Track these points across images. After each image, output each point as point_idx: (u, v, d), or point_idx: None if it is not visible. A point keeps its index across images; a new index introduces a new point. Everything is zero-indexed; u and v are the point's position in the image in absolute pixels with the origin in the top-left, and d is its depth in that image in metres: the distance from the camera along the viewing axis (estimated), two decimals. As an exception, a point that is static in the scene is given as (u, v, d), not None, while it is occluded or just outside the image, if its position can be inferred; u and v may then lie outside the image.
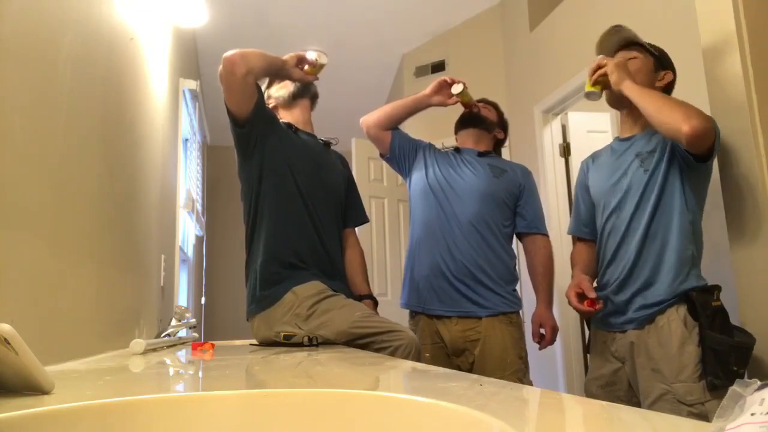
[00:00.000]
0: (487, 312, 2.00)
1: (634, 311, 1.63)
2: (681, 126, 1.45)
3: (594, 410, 0.55)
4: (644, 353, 1.58)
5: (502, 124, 2.29)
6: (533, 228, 2.14)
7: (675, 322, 1.54)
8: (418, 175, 2.20)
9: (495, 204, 2.09)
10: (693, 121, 1.45)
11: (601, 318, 1.73)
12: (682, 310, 1.54)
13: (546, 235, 2.16)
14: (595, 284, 1.77)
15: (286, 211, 1.76)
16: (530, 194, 2.17)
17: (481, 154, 2.19)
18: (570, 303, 1.68)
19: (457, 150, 2.22)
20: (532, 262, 2.16)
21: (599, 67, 1.71)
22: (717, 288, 1.54)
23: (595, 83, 1.72)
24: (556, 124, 3.65)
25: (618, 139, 1.81)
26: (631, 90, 1.60)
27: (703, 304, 1.51)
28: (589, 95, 1.76)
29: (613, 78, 1.64)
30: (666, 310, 1.56)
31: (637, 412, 0.48)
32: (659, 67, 1.74)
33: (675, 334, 1.52)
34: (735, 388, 0.33)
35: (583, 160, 1.94)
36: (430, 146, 2.26)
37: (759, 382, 0.33)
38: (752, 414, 0.31)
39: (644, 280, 1.62)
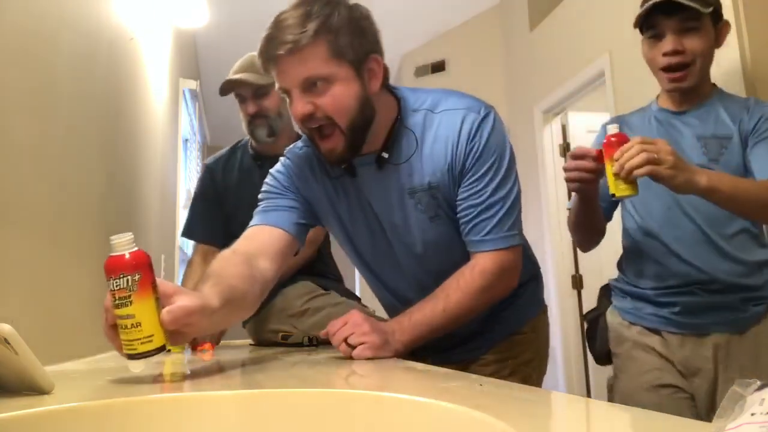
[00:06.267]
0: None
1: (725, 310, 1.27)
2: None
3: (594, 410, 0.55)
4: (736, 365, 1.26)
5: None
6: None
7: None
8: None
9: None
10: None
11: (657, 315, 1.34)
12: None
13: None
14: (637, 286, 1.38)
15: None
16: None
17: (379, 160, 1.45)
18: (573, 169, 1.21)
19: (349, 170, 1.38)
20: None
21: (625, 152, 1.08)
22: None
23: (628, 181, 1.09)
24: (556, 124, 3.65)
25: (663, 110, 1.38)
26: (714, 192, 1.12)
27: None
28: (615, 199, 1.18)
29: (675, 178, 1.08)
30: (761, 319, 1.28)
31: (637, 412, 0.48)
32: (716, 22, 1.31)
33: None
34: (735, 388, 0.33)
35: (606, 124, 1.48)
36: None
37: (759, 382, 0.33)
38: (752, 414, 0.31)
39: (739, 275, 1.27)
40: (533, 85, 3.79)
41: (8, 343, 0.55)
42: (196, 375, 0.83)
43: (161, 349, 0.71)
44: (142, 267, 0.70)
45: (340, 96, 1.01)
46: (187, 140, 3.62)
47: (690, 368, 1.29)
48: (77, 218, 1.19)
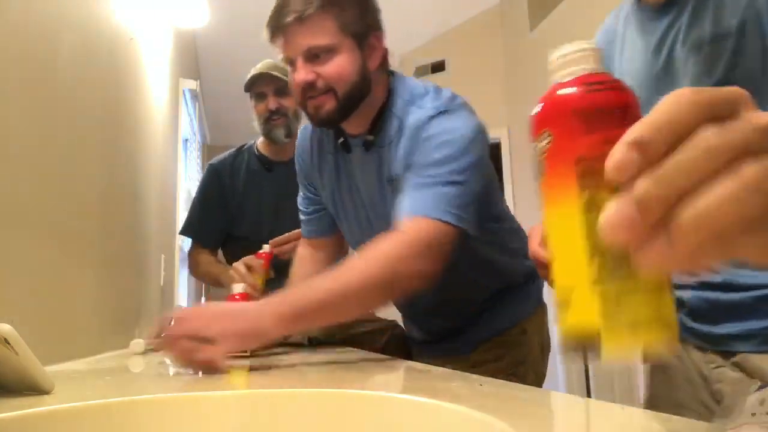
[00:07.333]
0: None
1: (751, 316, 0.73)
2: None
3: (594, 410, 0.55)
4: None
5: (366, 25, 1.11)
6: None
7: None
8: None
9: None
10: None
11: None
12: None
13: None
14: None
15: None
16: None
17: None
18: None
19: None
20: None
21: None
22: None
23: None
24: (556, 124, 3.65)
25: (642, 8, 0.84)
26: None
27: None
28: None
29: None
30: None
31: (636, 412, 0.48)
32: None
33: None
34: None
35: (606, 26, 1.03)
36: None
37: (759, 383, 0.33)
38: (752, 414, 0.31)
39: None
40: (533, 85, 3.79)
41: (8, 343, 0.55)
42: (196, 375, 0.83)
43: None
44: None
45: (342, 66, 1.03)
46: (187, 140, 3.62)
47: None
48: (77, 218, 1.19)
